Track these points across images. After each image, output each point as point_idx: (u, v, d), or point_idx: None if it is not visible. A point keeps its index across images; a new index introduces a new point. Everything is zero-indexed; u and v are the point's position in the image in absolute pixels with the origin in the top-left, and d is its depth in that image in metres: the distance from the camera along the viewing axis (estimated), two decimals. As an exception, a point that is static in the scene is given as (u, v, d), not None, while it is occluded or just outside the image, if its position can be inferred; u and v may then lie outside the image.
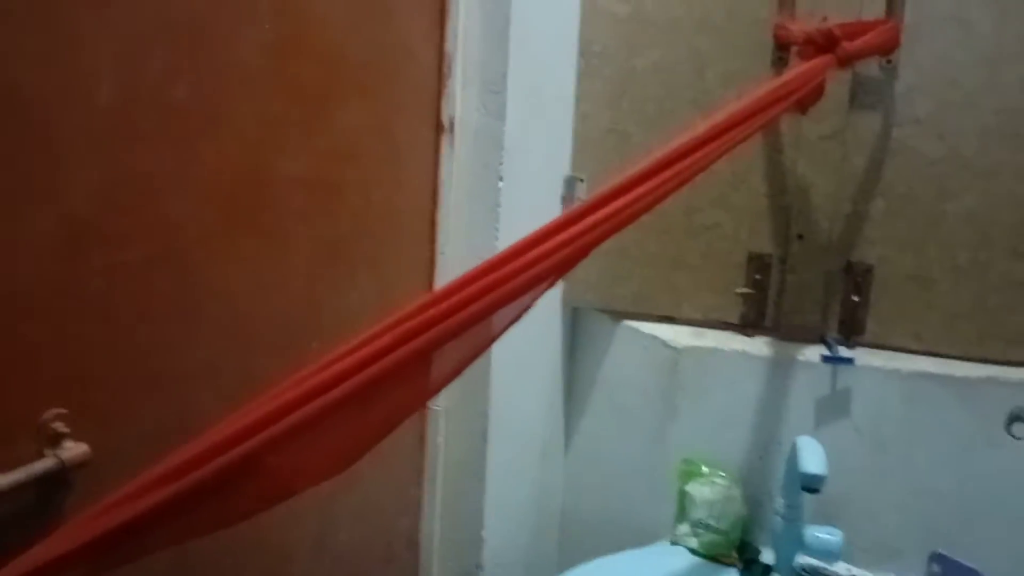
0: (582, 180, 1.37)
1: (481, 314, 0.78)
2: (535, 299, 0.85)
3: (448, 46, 1.14)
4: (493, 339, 0.86)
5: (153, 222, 0.77)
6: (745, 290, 1.34)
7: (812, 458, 1.10)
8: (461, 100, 1.16)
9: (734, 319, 1.36)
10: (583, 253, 0.87)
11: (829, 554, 1.18)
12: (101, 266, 0.72)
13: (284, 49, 0.88)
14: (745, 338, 1.34)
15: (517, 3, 1.16)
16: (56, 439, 0.69)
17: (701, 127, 0.94)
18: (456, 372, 0.84)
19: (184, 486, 0.64)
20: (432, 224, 1.16)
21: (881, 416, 1.25)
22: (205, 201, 0.82)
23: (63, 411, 0.70)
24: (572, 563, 1.24)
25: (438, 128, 1.15)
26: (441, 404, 1.23)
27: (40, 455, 0.68)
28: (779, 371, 1.30)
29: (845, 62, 1.14)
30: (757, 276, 1.34)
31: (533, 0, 1.20)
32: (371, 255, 1.06)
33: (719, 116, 0.96)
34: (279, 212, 0.91)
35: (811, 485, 1.09)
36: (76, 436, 0.70)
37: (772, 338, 1.34)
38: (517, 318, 0.86)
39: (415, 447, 1.22)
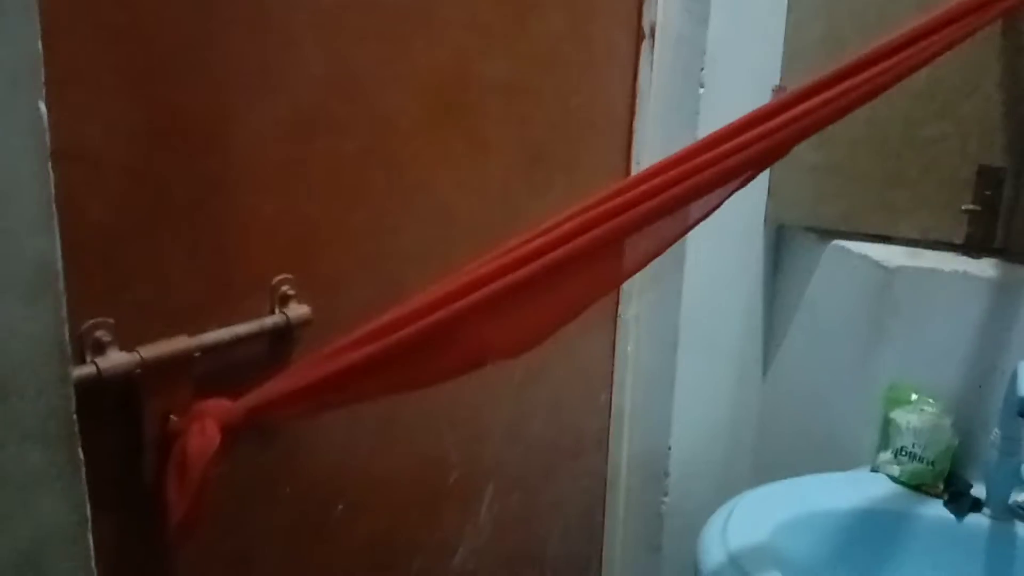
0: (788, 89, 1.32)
1: (672, 205, 0.79)
2: (729, 194, 0.84)
3: (651, -52, 1.13)
4: (685, 231, 0.87)
5: (369, 114, 0.85)
6: (972, 207, 1.23)
7: (1032, 384, 1.01)
8: (663, 5, 1.15)
9: (958, 239, 1.26)
10: (782, 149, 0.85)
11: (1049, 493, 1.09)
12: (324, 151, 0.82)
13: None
14: (969, 259, 1.24)
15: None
16: (284, 300, 0.80)
17: (914, 22, 0.88)
18: (646, 261, 0.86)
19: (389, 343, 0.72)
20: (629, 132, 1.18)
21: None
22: (415, 98, 0.89)
23: (290, 276, 0.80)
24: (765, 482, 1.24)
25: (639, 34, 1.15)
26: (632, 312, 1.26)
27: (271, 312, 0.79)
28: (1006, 295, 1.19)
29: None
30: (987, 192, 1.23)
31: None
32: (567, 161, 1.10)
33: (932, 13, 0.89)
34: (481, 114, 0.97)
35: (1028, 411, 1.00)
36: (300, 299, 0.81)
37: (1001, 260, 1.23)
38: (711, 212, 0.85)
39: (605, 353, 1.26)
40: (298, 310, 0.80)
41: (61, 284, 0.55)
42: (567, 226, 0.77)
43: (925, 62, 0.89)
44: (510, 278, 0.74)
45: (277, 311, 0.79)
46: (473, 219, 0.98)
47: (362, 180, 0.86)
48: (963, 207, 1.24)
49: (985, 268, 1.22)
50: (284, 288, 0.80)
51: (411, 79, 0.88)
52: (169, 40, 0.69)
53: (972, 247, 1.25)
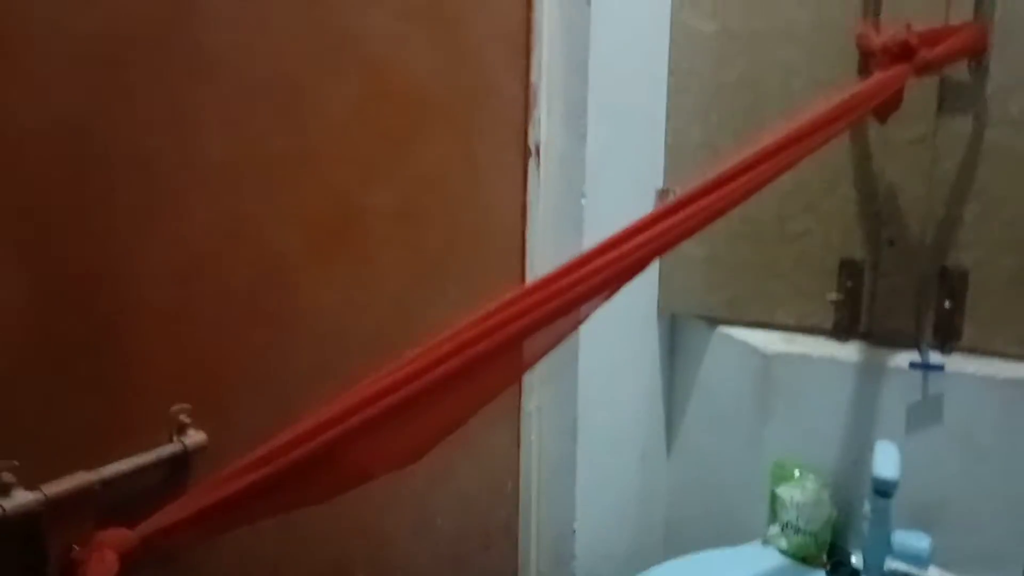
0: (674, 192, 1.44)
1: (567, 307, 0.86)
2: (617, 290, 0.91)
3: (533, 77, 1.24)
4: (579, 324, 0.92)
5: (256, 252, 0.93)
6: (837, 296, 1.35)
7: (886, 463, 1.11)
8: (546, 126, 1.26)
9: (827, 325, 1.38)
10: (664, 250, 0.92)
11: (918, 560, 1.19)
12: (212, 288, 0.89)
13: (370, 98, 1.02)
14: (836, 344, 1.36)
15: (600, 29, 1.24)
16: (182, 428, 0.86)
17: (779, 132, 0.99)
18: (541, 356, 0.92)
19: (281, 466, 0.78)
20: (522, 241, 1.27)
21: (977, 423, 1.23)
22: (301, 233, 0.97)
23: (187, 405, 0.87)
24: (675, 556, 1.31)
25: (525, 153, 1.26)
26: (534, 404, 1.34)
27: (169, 440, 0.85)
28: (871, 377, 1.31)
29: (923, 70, 1.15)
30: (849, 282, 1.35)
31: (618, 25, 1.28)
32: (461, 273, 1.18)
33: (797, 122, 1.01)
34: (369, 240, 1.05)
35: (884, 490, 1.11)
36: (197, 425, 0.87)
37: (865, 344, 1.34)
38: (601, 304, 0.92)
39: (510, 445, 1.33)
40: (195, 437, 0.86)
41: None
42: (461, 337, 0.83)
43: (792, 165, 0.99)
44: (404, 391, 0.79)
45: (175, 439, 0.86)
46: (366, 334, 1.06)
47: (253, 311, 0.93)
48: (829, 297, 1.35)
49: (851, 352, 1.33)
50: (181, 417, 0.86)
51: (296, 216, 0.96)
52: (59, 201, 0.76)
53: (840, 333, 1.36)
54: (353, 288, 1.04)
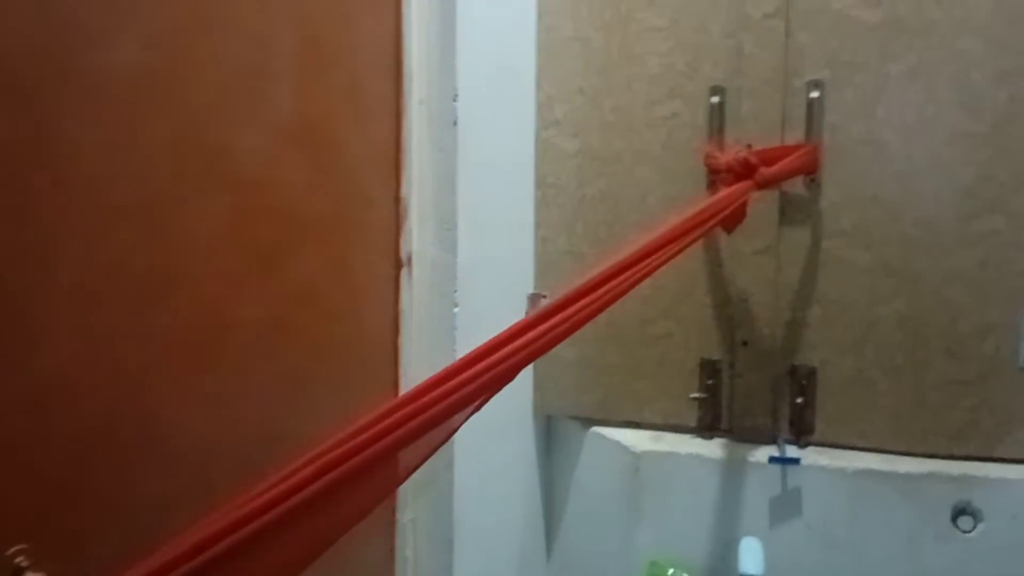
0: (545, 296, 1.49)
1: (441, 416, 0.86)
2: (491, 396, 0.93)
3: (404, 191, 1.28)
4: (452, 433, 0.93)
5: (115, 375, 0.89)
6: (699, 395, 1.42)
7: (751, 559, 1.16)
8: (418, 237, 1.29)
9: (692, 422, 1.44)
10: (534, 357, 0.95)
11: (786, 652, 1.23)
12: (65, 419, 0.85)
13: (242, 214, 1.02)
14: (701, 441, 1.42)
15: (468, 145, 1.30)
16: (18, 572, 0.80)
17: (637, 244, 1.05)
18: (416, 466, 0.91)
19: None
20: (395, 350, 1.28)
21: (830, 513, 1.31)
22: (165, 351, 0.95)
23: (26, 546, 0.81)
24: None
25: (397, 263, 1.28)
26: (409, 516, 1.32)
27: (7, 587, 0.80)
28: (734, 472, 1.37)
29: (763, 185, 1.26)
30: (709, 381, 1.42)
31: (486, 141, 1.35)
32: (334, 383, 1.18)
33: (653, 235, 1.08)
34: (236, 355, 1.04)
35: (750, 585, 1.15)
36: (37, 568, 0.82)
37: (728, 440, 1.41)
38: (474, 412, 0.93)
39: (386, 559, 1.31)
40: (38, 580, 0.81)
41: None
42: (332, 454, 0.82)
43: (651, 272, 1.05)
44: (270, 515, 0.76)
45: (15, 584, 0.80)
46: (234, 451, 1.03)
47: (107, 438, 0.89)
48: (691, 395, 1.42)
49: (714, 449, 1.39)
50: (19, 560, 0.81)
51: (160, 334, 0.94)
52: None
53: (703, 430, 1.43)
54: (218, 406, 1.01)
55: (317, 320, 1.15)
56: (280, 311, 1.09)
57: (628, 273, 1.05)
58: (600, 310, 1.02)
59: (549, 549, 1.56)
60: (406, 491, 1.32)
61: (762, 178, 1.26)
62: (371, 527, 1.27)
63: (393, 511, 1.31)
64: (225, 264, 1.01)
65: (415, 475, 0.96)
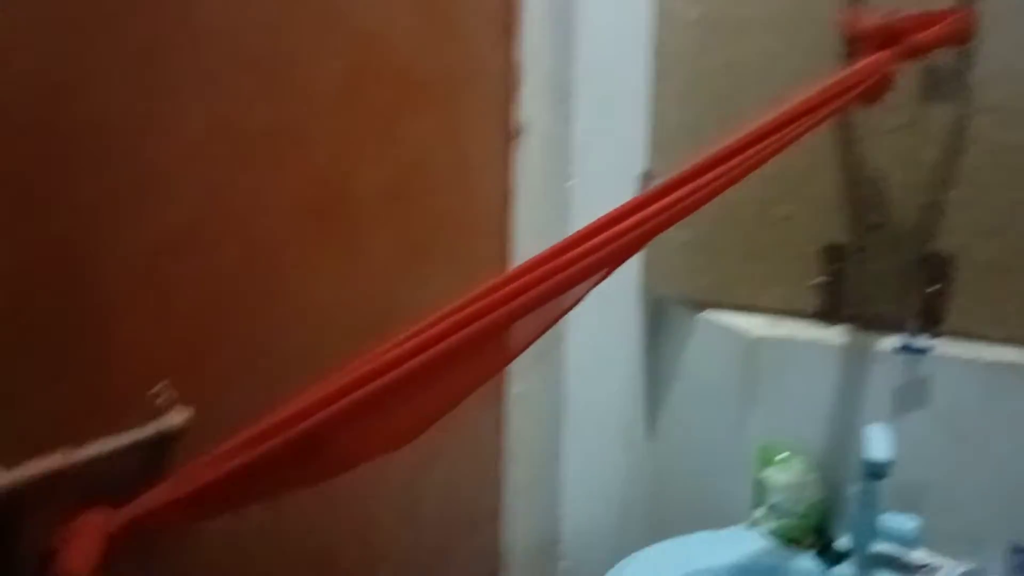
0: (657, 175, 1.43)
1: (552, 293, 0.84)
2: (604, 278, 0.90)
3: (517, 56, 1.23)
4: (566, 311, 0.91)
5: (242, 231, 0.90)
6: (821, 280, 1.36)
7: (878, 445, 1.12)
8: (530, 106, 1.25)
9: (812, 308, 1.38)
10: (648, 237, 0.91)
11: (905, 541, 1.20)
12: (198, 267, 0.86)
13: (357, 73, 1.00)
14: (821, 328, 1.36)
15: (585, 12, 1.23)
16: (163, 409, 0.84)
17: (762, 120, 0.98)
18: (529, 343, 0.90)
19: (268, 449, 0.76)
20: (506, 224, 1.26)
21: (960, 405, 1.24)
22: (288, 212, 0.95)
23: (169, 385, 0.84)
24: (658, 541, 1.30)
25: (508, 134, 1.24)
26: (519, 389, 1.33)
27: (150, 421, 0.83)
28: (855, 360, 1.31)
29: (909, 56, 1.15)
30: (833, 266, 1.35)
31: (603, 8, 1.27)
32: (446, 255, 1.17)
33: (783, 108, 1.00)
34: (356, 220, 1.03)
35: (877, 471, 1.11)
36: (179, 407, 0.85)
37: (849, 327, 1.35)
38: (587, 292, 0.91)
39: (494, 430, 1.32)
40: (177, 418, 0.84)
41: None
42: (447, 322, 0.81)
43: (778, 151, 0.99)
44: (391, 375, 0.77)
45: (156, 420, 0.83)
46: (353, 317, 1.04)
47: (237, 291, 0.91)
48: (812, 280, 1.36)
49: (836, 336, 1.33)
50: (162, 397, 0.84)
51: (284, 195, 0.94)
52: (38, 169, 0.73)
53: (824, 316, 1.36)
54: (340, 269, 1.02)
55: (430, 190, 1.14)
56: (395, 178, 1.08)
57: (751, 151, 0.98)
58: (719, 191, 0.95)
59: (652, 431, 1.55)
60: (516, 365, 1.32)
61: (908, 47, 1.15)
62: (481, 399, 1.28)
63: (502, 384, 1.32)
64: (342, 126, 0.99)
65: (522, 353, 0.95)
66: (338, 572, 1.09)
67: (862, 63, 1.14)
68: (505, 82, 1.23)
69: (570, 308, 0.92)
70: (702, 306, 1.45)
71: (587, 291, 0.91)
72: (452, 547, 1.26)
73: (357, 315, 1.04)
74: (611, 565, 1.24)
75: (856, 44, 1.27)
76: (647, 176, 1.42)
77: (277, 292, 0.95)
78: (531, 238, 1.26)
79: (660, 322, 1.52)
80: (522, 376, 1.33)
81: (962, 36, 1.21)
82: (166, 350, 0.85)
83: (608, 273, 0.91)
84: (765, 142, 0.99)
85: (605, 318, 1.40)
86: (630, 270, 1.46)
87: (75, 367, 0.79)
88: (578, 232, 0.87)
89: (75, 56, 0.74)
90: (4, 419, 0.74)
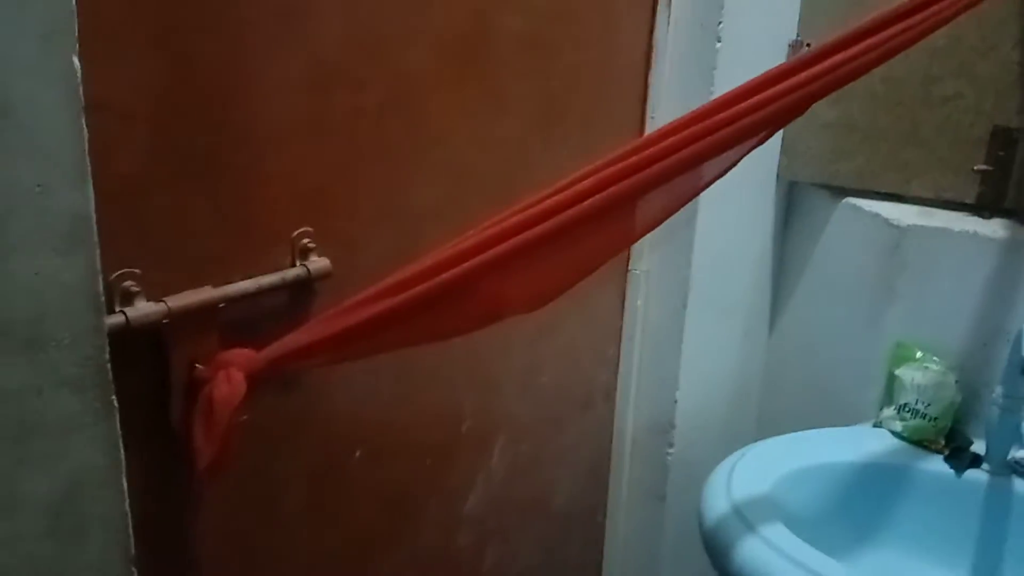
0: (808, 45, 1.31)
1: (686, 163, 0.79)
2: (745, 153, 0.84)
3: (671, -96, 1.12)
4: (700, 190, 0.87)
5: (387, 69, 0.85)
6: (984, 167, 1.24)
7: (1035, 345, 1.03)
8: (681, -41, 1.14)
9: (970, 199, 1.27)
10: (799, 108, 0.84)
11: (1049, 449, 1.12)
12: (343, 106, 0.82)
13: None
14: (979, 220, 1.25)
15: None
16: (305, 252, 0.81)
17: None
18: (660, 219, 0.86)
19: (407, 298, 0.74)
20: (645, 86, 1.18)
21: None
22: (432, 53, 0.90)
23: (310, 229, 0.82)
24: (770, 436, 1.26)
25: (654, -13, 1.15)
26: (643, 267, 1.27)
27: (292, 264, 0.81)
28: (1014, 256, 1.20)
29: None
30: (1000, 153, 1.23)
31: None
32: (583, 115, 1.10)
33: None
34: (499, 68, 0.97)
35: (1030, 371, 1.03)
36: (321, 252, 0.82)
37: (1011, 221, 1.23)
38: (726, 170, 0.85)
39: (615, 307, 1.28)
40: (319, 263, 0.82)
41: (95, 237, 0.57)
42: (582, 184, 0.77)
43: (944, 22, 0.88)
44: (525, 235, 0.75)
45: (298, 263, 0.81)
46: (489, 174, 0.99)
47: (380, 135, 0.87)
48: (975, 167, 1.24)
49: (995, 229, 1.22)
50: (305, 241, 0.81)
51: (429, 34, 0.88)
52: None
53: (983, 207, 1.25)
54: (480, 122, 0.97)
55: (573, 41, 1.06)
56: (537, 26, 1.00)
57: (913, 19, 0.87)
58: (876, 62, 0.85)
59: (774, 322, 1.48)
60: (642, 242, 1.26)
61: None
62: (605, 272, 1.23)
63: (627, 261, 1.27)
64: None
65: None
66: (458, 433, 1.09)
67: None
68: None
69: (710, 182, 0.86)
70: (845, 193, 1.35)
71: (730, 164, 0.85)
72: (566, 420, 1.25)
73: (492, 173, 0.99)
74: (722, 456, 1.20)
75: None
76: (797, 45, 1.30)
77: (418, 139, 0.90)
78: (672, 102, 1.18)
79: (796, 208, 1.43)
80: (647, 254, 1.27)
81: None
82: (309, 195, 0.82)
83: (756, 145, 0.84)
84: (929, 10, 0.87)
85: (738, 200, 1.32)
86: (768, 151, 1.36)
87: (221, 200, 0.77)
88: (719, 98, 0.80)
89: None
90: (152, 250, 0.73)
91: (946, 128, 1.26)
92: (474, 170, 0.97)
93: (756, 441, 1.25)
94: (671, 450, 1.36)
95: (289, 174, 0.80)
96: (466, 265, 0.74)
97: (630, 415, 1.34)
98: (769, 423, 1.50)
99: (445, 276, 0.74)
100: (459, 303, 0.77)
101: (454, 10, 0.90)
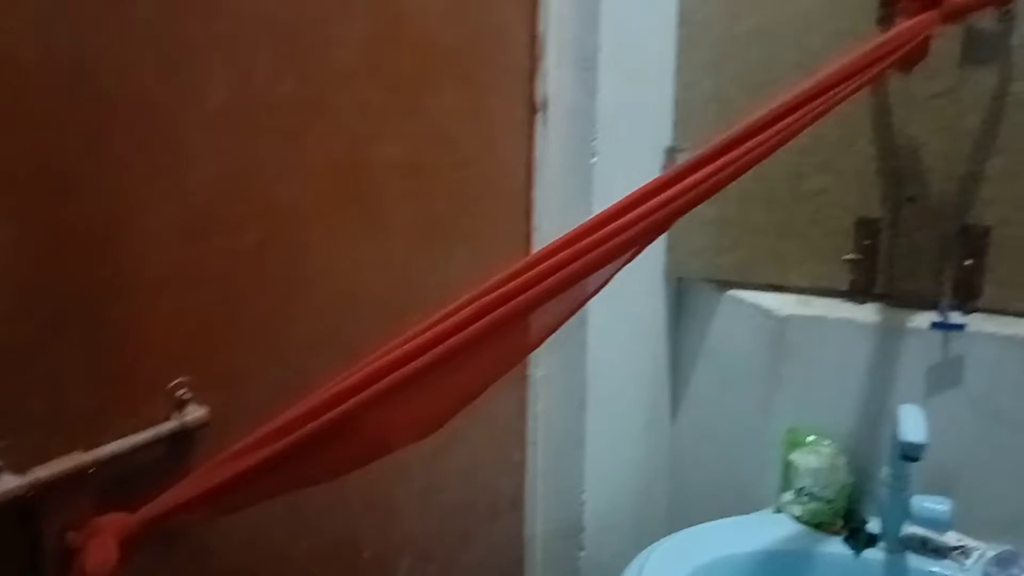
0: (683, 150, 1.38)
1: (569, 280, 0.81)
2: (623, 265, 0.86)
3: (541, 27, 1.17)
4: (588, 297, 0.88)
5: (265, 208, 0.86)
6: (854, 256, 1.31)
7: (912, 426, 1.08)
8: (554, 79, 1.19)
9: (843, 286, 1.33)
10: (668, 222, 0.87)
11: (937, 524, 1.16)
12: (220, 249, 0.82)
13: (379, 42, 0.95)
14: (854, 305, 1.31)
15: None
16: (181, 404, 0.79)
17: (798, 88, 0.93)
18: (553, 328, 0.87)
19: (290, 442, 0.72)
20: (528, 201, 1.21)
21: (996, 385, 1.20)
22: (310, 187, 0.90)
23: (187, 379, 0.80)
24: (680, 528, 1.27)
25: (532, 107, 1.19)
26: (540, 372, 1.29)
27: (167, 417, 0.79)
28: (889, 339, 1.27)
29: (951, 18, 1.10)
30: (866, 241, 1.31)
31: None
32: (468, 232, 1.12)
33: (817, 76, 0.95)
34: (379, 195, 0.99)
35: (911, 453, 1.07)
36: (199, 400, 0.80)
37: (883, 305, 1.30)
38: (609, 280, 0.87)
39: (517, 413, 1.28)
40: (196, 412, 0.80)
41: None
42: (469, 309, 0.78)
43: (811, 123, 0.94)
44: (413, 365, 0.75)
45: (174, 415, 0.79)
46: (377, 299, 1.00)
47: (260, 274, 0.86)
48: (845, 256, 1.31)
49: (868, 313, 1.29)
50: (181, 391, 0.79)
51: (305, 169, 0.89)
52: (53, 155, 0.69)
53: (856, 293, 1.32)
54: (362, 248, 0.97)
55: (452, 165, 1.09)
56: (417, 151, 1.03)
57: (782, 124, 0.93)
58: (749, 165, 0.91)
59: (674, 414, 1.51)
60: (539, 348, 1.28)
61: (950, 8, 1.09)
62: (504, 381, 1.24)
63: (525, 367, 1.28)
64: (364, 95, 0.94)
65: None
66: (359, 562, 1.06)
67: (901, 27, 1.09)
68: (528, 52, 1.17)
69: (595, 293, 0.88)
70: (729, 286, 1.40)
71: (612, 274, 0.87)
72: (474, 534, 1.23)
73: (379, 298, 1.00)
74: (632, 554, 1.20)
75: (894, 6, 1.22)
76: (673, 151, 1.37)
77: (300, 272, 0.90)
78: (554, 214, 1.21)
79: (684, 302, 1.48)
80: (544, 359, 1.29)
81: (1005, -3, 1.16)
82: (184, 342, 0.81)
83: (634, 255, 0.87)
84: (797, 113, 0.94)
85: (628, 298, 1.35)
86: (656, 249, 1.41)
87: (93, 357, 0.75)
88: (602, 213, 0.83)
89: (92, 21, 0.69)
90: (15, 418, 0.70)
91: (816, 220, 1.34)
92: (360, 297, 0.98)
93: (667, 534, 1.26)
94: (582, 553, 1.35)
95: (164, 323, 0.79)
96: (349, 403, 0.73)
97: (539, 521, 1.33)
98: (678, 514, 1.51)
99: (328, 416, 0.73)
100: (345, 442, 0.76)
101: (329, 143, 0.91)
